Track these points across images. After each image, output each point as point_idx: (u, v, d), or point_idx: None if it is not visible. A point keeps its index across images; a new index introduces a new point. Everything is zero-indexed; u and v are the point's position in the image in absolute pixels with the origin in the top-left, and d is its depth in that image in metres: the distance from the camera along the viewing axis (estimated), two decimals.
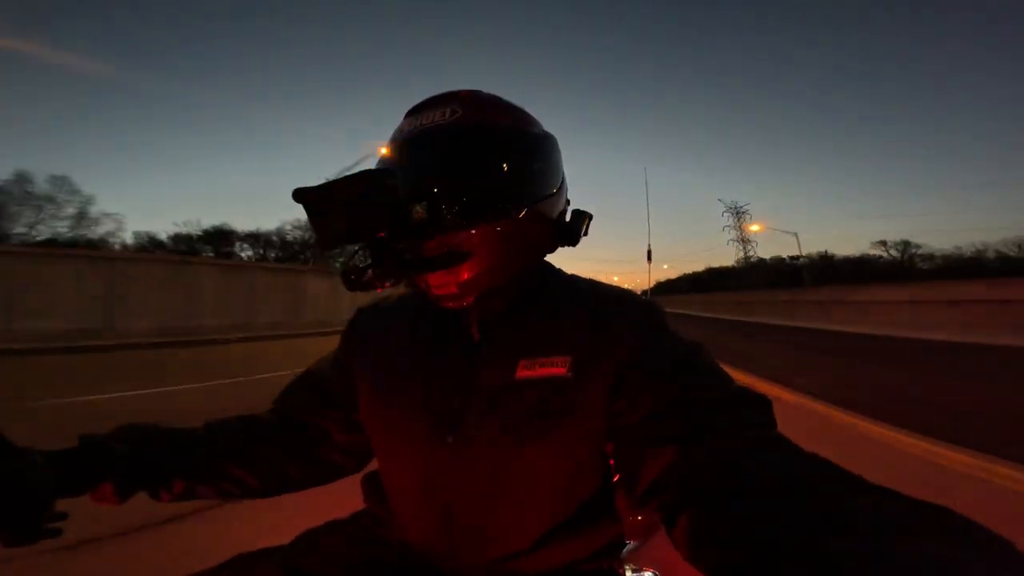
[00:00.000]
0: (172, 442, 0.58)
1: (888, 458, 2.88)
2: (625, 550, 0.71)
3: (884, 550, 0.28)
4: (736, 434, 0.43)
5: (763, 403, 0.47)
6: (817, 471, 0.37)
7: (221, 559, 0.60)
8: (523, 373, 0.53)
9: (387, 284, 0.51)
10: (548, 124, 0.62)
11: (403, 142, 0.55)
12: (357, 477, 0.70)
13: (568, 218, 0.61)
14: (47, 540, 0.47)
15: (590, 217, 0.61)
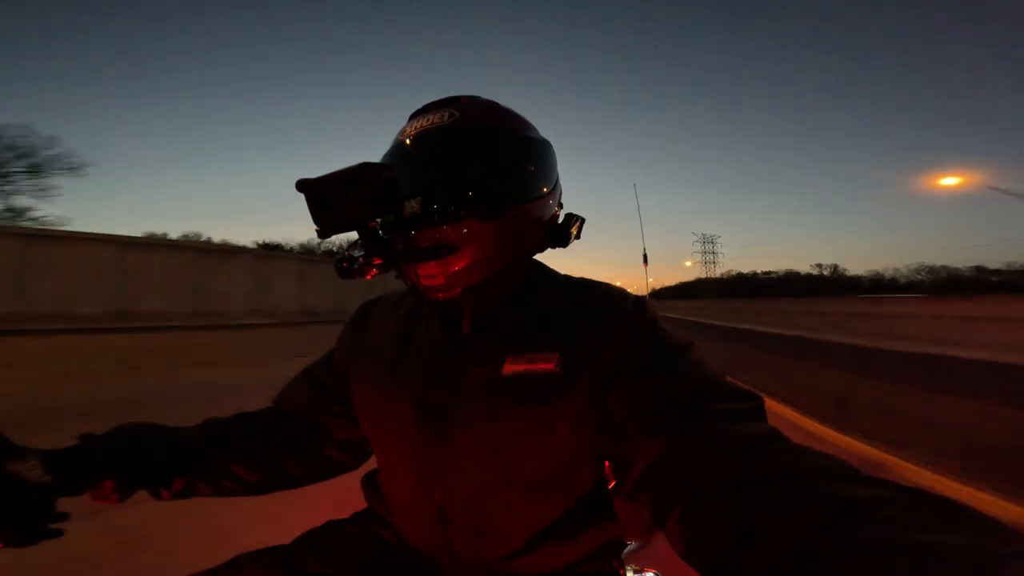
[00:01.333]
0: (171, 440, 0.58)
1: None
2: (627, 551, 0.71)
3: (888, 539, 0.28)
4: (728, 427, 0.42)
5: (754, 399, 0.47)
6: (812, 463, 0.37)
7: (221, 559, 0.59)
8: (510, 368, 0.53)
9: (376, 272, 0.53)
10: (548, 131, 0.64)
11: (403, 141, 0.57)
12: (358, 477, 0.69)
13: (560, 221, 0.62)
14: (47, 540, 0.46)
15: (582, 221, 0.62)
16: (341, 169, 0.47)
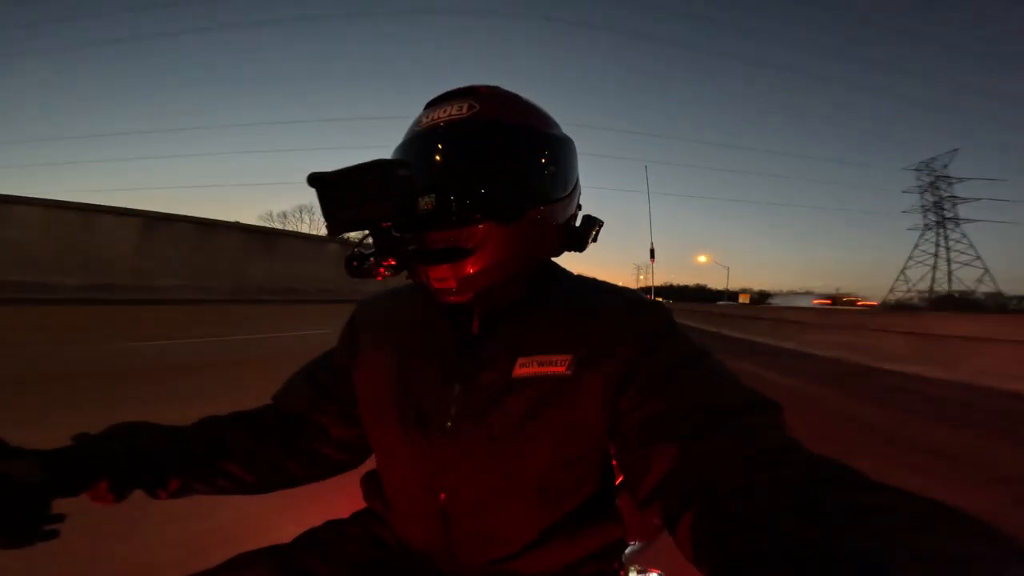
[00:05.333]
0: (167, 439, 0.58)
1: None
2: (630, 551, 0.70)
3: (899, 547, 0.27)
4: (744, 435, 0.41)
5: (773, 407, 0.45)
6: (829, 471, 0.36)
7: (220, 559, 0.59)
8: (521, 371, 0.52)
9: (387, 273, 0.51)
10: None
11: (418, 133, 0.55)
12: (357, 476, 0.69)
13: (578, 223, 0.60)
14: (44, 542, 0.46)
15: (600, 224, 0.60)
16: (355, 165, 0.45)
